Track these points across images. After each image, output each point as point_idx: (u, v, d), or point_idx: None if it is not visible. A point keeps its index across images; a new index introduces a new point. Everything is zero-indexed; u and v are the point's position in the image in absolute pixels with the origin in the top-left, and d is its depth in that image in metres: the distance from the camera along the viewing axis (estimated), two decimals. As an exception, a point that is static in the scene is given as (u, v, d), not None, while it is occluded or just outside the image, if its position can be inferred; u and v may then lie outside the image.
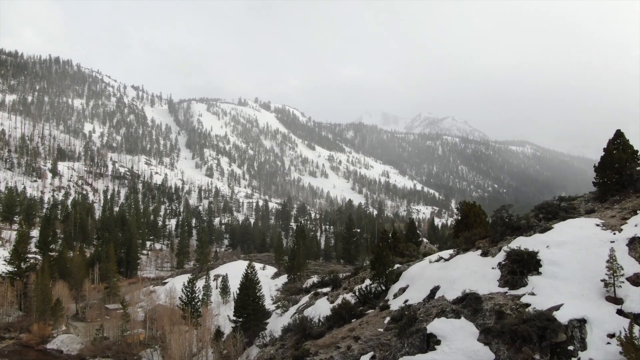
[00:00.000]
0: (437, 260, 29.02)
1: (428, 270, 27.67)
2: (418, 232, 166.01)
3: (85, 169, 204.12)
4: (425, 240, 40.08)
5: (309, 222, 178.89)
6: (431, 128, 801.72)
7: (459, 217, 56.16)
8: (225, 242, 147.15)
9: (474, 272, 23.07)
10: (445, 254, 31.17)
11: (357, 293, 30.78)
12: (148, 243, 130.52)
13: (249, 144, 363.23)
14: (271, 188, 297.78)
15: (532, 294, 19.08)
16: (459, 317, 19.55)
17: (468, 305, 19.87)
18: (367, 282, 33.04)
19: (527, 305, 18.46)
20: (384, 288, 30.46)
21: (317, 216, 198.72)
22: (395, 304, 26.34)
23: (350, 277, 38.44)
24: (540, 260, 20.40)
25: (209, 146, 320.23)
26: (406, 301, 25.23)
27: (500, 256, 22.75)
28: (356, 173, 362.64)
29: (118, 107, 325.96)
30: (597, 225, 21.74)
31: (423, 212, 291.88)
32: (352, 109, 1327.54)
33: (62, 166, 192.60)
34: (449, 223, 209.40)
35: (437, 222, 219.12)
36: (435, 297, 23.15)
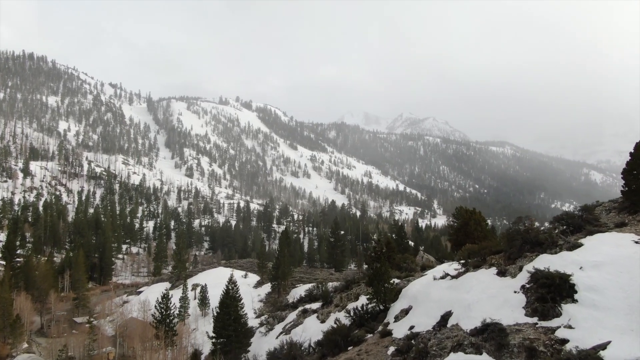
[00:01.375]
0: (443, 278, 25.84)
1: (434, 290, 24.46)
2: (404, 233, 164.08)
3: (60, 168, 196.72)
4: (421, 250, 37.07)
5: (291, 223, 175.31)
6: (412, 128, 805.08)
7: (454, 223, 53.40)
8: (206, 245, 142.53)
9: (493, 296, 19.92)
10: (450, 269, 28.00)
11: (351, 313, 27.47)
12: (124, 246, 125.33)
13: (230, 143, 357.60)
14: (253, 188, 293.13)
15: (570, 326, 16.00)
16: (480, 353, 16.41)
17: (490, 338, 16.74)
18: (362, 299, 29.82)
19: (565, 341, 15.38)
20: (382, 307, 27.21)
21: (300, 217, 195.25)
22: (398, 330, 23.09)
23: (341, 292, 35.17)
24: (574, 285, 17.33)
25: (189, 145, 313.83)
26: (412, 327, 21.98)
27: (523, 277, 19.67)
28: (339, 173, 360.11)
29: (95, 105, 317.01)
30: (637, 242, 18.82)
31: (406, 212, 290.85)
32: (334, 109, 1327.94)
33: (34, 166, 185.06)
34: (432, 224, 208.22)
35: (421, 223, 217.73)
36: (448, 326, 19.95)
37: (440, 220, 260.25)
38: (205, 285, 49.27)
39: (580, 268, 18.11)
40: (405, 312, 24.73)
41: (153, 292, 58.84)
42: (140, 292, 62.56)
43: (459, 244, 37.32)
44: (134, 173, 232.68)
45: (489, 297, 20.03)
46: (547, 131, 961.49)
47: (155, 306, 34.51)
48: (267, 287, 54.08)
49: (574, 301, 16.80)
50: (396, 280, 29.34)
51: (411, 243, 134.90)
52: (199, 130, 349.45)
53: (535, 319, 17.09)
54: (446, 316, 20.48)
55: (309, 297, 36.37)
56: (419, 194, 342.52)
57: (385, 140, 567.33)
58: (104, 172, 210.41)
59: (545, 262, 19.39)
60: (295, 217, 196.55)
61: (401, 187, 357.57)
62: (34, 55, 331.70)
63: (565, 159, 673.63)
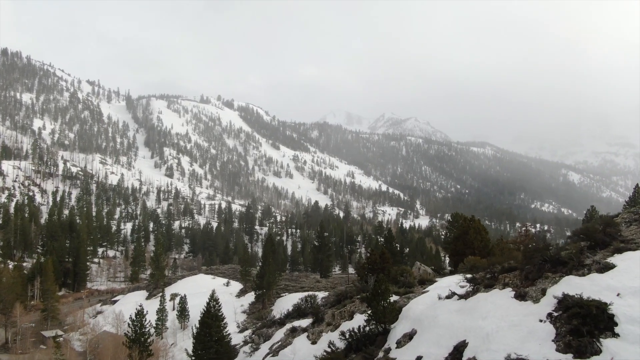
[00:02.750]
0: (450, 297, 23.35)
1: (441, 312, 21.91)
2: (385, 234, 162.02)
3: (34, 168, 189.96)
4: (418, 262, 34.78)
5: (274, 225, 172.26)
6: (394, 129, 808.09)
7: (449, 230, 51.21)
8: (186, 248, 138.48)
9: (515, 325, 17.44)
10: (456, 286, 25.51)
11: (347, 335, 24.82)
12: (100, 250, 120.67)
13: (212, 142, 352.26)
14: (234, 189, 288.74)
15: (614, 367, 13.67)
16: (508, 397, 14.06)
17: (518, 379, 14.39)
18: (358, 318, 27.22)
19: (610, 385, 13.08)
20: (381, 328, 24.58)
21: (283, 219, 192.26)
22: (402, 359, 20.48)
23: (333, 306, 32.49)
24: (614, 315, 14.98)
25: (169, 145, 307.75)
26: (420, 358, 19.39)
27: (548, 303, 17.25)
28: (321, 173, 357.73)
29: (71, 102, 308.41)
30: (679, 264, 16.58)
31: (389, 213, 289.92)
32: (315, 109, 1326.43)
33: (6, 165, 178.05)
34: (416, 225, 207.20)
35: (404, 224, 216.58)
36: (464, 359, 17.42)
37: (424, 221, 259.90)
38: (185, 296, 46.19)
39: (618, 295, 15.77)
40: (408, 337, 22.15)
41: (129, 303, 55.46)
42: (115, 302, 59.01)
43: (457, 253, 35.09)
44: (112, 173, 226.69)
45: (510, 325, 17.56)
46: (526, 131, 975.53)
47: (129, 323, 31.55)
48: (250, 296, 51.23)
49: (615, 335, 14.43)
50: (395, 297, 26.84)
51: (396, 245, 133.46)
52: (180, 129, 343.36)
53: (569, 356, 14.68)
54: (460, 347, 17.98)
55: (298, 312, 33.68)
56: (401, 195, 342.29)
57: (368, 140, 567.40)
58: (80, 172, 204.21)
59: (574, 286, 17.06)
60: (278, 218, 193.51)
61: (384, 187, 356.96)
62: (8, 51, 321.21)
63: (544, 159, 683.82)
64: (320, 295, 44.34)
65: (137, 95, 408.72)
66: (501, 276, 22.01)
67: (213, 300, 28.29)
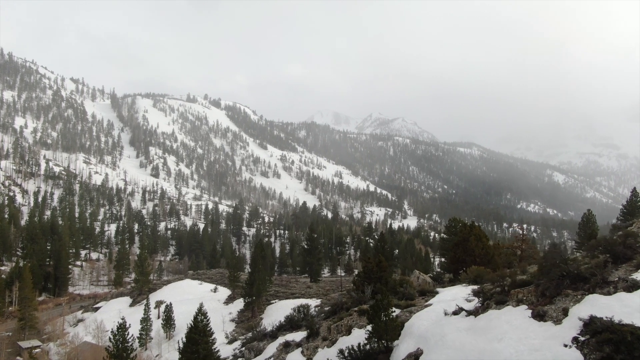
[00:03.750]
0: (457, 313, 21.73)
1: (450, 330, 20.27)
2: (375, 235, 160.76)
3: (14, 167, 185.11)
4: (417, 271, 33.17)
5: (262, 226, 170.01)
6: (382, 129, 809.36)
7: (446, 235, 49.72)
8: (172, 250, 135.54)
9: (536, 350, 15.88)
10: (462, 300, 23.95)
11: (345, 353, 23.11)
12: (83, 252, 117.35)
13: (198, 142, 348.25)
14: (221, 189, 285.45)
15: (656, 404, 12.17)
16: None
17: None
18: (356, 333, 25.57)
19: None
20: (383, 347, 22.89)
21: (271, 220, 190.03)
22: (409, 384, 18.87)
23: (327, 318, 30.80)
24: (652, 343, 13.45)
25: (155, 144, 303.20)
26: (429, 384, 17.77)
27: (573, 326, 15.73)
28: (309, 173, 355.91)
29: (54, 100, 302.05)
30: None
31: (377, 213, 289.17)
32: (303, 108, 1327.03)
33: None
34: (404, 226, 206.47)
35: (392, 224, 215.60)
36: (481, 388, 15.82)
37: (412, 222, 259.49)
38: (171, 304, 44.04)
39: (653, 318, 14.33)
40: (414, 357, 20.50)
41: (111, 310, 53.14)
42: (97, 309, 56.56)
43: (457, 261, 33.61)
44: (96, 173, 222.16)
45: (530, 350, 15.99)
46: (512, 132, 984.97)
47: (110, 337, 29.45)
48: (239, 303, 49.27)
49: (653, 366, 13.00)
50: (396, 311, 25.20)
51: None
52: (166, 129, 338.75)
53: (601, 390, 13.26)
54: (475, 374, 16.42)
55: (290, 324, 31.90)
56: (389, 195, 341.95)
57: (356, 140, 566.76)
58: (63, 172, 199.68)
59: (600, 306, 15.55)
60: (266, 219, 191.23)
61: (372, 187, 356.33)
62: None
63: (530, 160, 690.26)
64: (313, 303, 42.60)
65: (123, 94, 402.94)
66: (513, 291, 20.49)
67: (201, 314, 26.45)
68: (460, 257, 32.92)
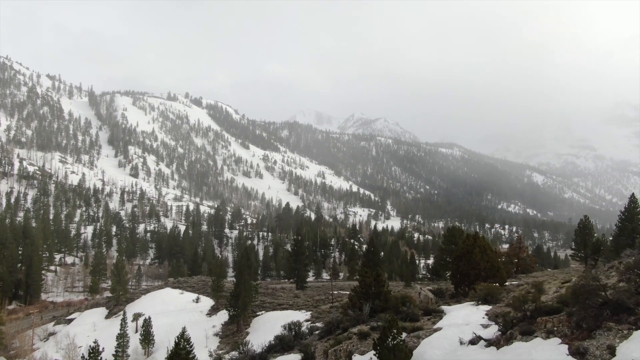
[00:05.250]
0: (475, 342, 19.46)
1: (469, 366, 17.94)
2: (360, 237, 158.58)
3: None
4: (418, 286, 30.86)
5: (244, 228, 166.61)
6: (364, 129, 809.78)
7: (444, 245, 47.52)
8: (151, 253, 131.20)
9: (582, 400, 13.60)
10: (476, 324, 21.66)
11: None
12: (58, 256, 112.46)
13: (179, 141, 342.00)
14: (202, 189, 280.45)
15: None
16: None
17: None
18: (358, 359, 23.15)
19: None
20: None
21: (253, 221, 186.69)
22: None
23: (323, 339, 28.33)
24: None
25: (134, 143, 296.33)
26: None
27: (624, 371, 13.49)
28: (292, 173, 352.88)
29: (29, 97, 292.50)
30: None
31: (360, 214, 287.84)
32: (285, 108, 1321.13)
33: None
34: (388, 227, 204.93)
35: (375, 225, 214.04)
36: None
37: (395, 222, 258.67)
38: (149, 318, 40.96)
39: None
40: (429, 396, 18.10)
41: (85, 323, 49.70)
42: (70, 321, 52.96)
43: (460, 274, 31.39)
44: (73, 172, 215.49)
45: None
46: (493, 132, 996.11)
47: (82, 355, 26.60)
48: (223, 315, 46.44)
49: None
50: (402, 336, 22.78)
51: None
52: (146, 127, 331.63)
53: None
54: None
55: (281, 344, 29.31)
56: (372, 195, 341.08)
57: (338, 140, 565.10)
58: (37, 172, 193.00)
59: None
60: (249, 220, 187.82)
61: (354, 188, 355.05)
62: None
63: (510, 160, 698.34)
64: (303, 317, 40.03)
65: (101, 91, 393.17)
66: (540, 319, 18.20)
67: (184, 339, 23.65)
68: (464, 271, 30.70)
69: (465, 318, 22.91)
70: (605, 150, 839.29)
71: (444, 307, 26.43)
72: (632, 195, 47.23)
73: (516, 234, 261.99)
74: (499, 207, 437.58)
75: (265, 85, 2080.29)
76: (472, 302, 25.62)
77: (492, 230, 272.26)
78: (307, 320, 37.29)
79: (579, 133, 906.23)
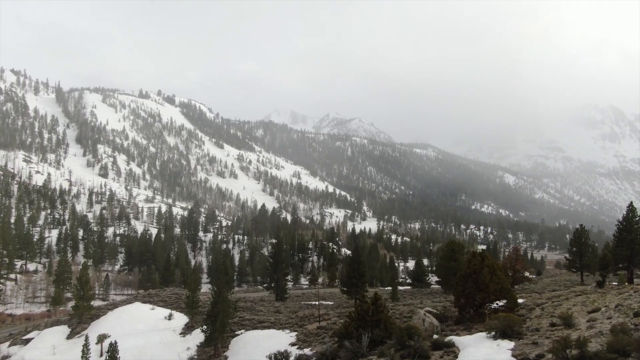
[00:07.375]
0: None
1: None
2: (338, 240, 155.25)
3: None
4: (421, 311, 27.68)
5: (219, 231, 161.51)
6: (339, 129, 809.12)
7: (442, 261, 44.60)
8: (121, 259, 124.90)
9: None
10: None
11: None
12: (19, 263, 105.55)
13: (151, 140, 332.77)
14: (175, 190, 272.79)
15: None
16: None
17: None
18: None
19: None
20: None
21: (228, 223, 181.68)
22: None
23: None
24: None
25: (104, 142, 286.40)
26: None
27: None
28: (267, 174, 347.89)
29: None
30: None
31: (336, 215, 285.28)
32: (259, 106, 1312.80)
33: None
34: (365, 229, 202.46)
35: (352, 226, 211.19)
36: None
37: (371, 224, 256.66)
38: (116, 342, 36.78)
39: None
40: None
41: (44, 345, 44.85)
42: (27, 341, 47.93)
43: (466, 296, 28.34)
44: (38, 172, 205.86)
45: None
46: (466, 132, 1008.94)
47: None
48: (198, 334, 42.40)
49: None
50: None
51: (348, 252, 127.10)
52: (116, 126, 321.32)
53: None
54: None
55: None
56: (348, 196, 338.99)
57: (314, 140, 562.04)
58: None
59: None
60: (224, 223, 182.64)
61: (330, 188, 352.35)
62: None
63: (482, 161, 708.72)
64: (287, 339, 36.43)
65: (69, 88, 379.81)
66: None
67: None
68: (470, 292, 27.67)
69: (485, 357, 19.75)
70: (573, 151, 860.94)
71: (455, 339, 23.35)
72: (630, 204, 45.29)
73: (491, 235, 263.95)
74: (473, 207, 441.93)
75: (240, 83, 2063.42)
76: (486, 334, 22.58)
77: (468, 231, 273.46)
78: (293, 345, 33.73)
79: (549, 134, 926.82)
